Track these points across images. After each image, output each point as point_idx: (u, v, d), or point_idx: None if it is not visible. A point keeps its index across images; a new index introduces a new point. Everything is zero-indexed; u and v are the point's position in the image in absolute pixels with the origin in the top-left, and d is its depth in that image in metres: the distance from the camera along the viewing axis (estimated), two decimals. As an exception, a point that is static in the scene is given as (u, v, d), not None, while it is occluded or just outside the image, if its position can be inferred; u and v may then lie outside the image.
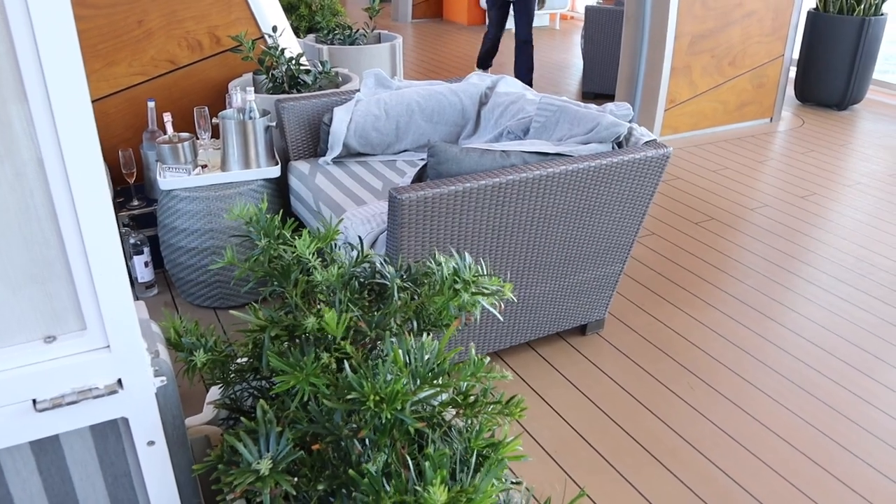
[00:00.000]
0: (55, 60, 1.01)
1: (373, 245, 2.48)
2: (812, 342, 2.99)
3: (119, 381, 1.22)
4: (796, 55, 6.13)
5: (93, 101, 3.54)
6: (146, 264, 3.19)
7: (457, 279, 1.25)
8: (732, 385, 2.73)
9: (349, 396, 1.07)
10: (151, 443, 1.30)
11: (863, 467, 2.35)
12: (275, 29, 3.70)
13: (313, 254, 1.38)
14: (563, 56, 8.39)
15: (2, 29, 0.98)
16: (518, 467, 2.32)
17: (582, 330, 3.02)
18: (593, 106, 2.78)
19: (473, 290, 1.24)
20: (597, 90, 6.38)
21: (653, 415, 2.58)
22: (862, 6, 5.76)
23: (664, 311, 3.21)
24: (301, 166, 3.20)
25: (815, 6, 6.06)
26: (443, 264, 1.28)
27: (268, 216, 1.45)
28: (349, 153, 3.23)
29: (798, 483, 2.28)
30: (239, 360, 1.52)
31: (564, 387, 2.71)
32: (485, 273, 1.32)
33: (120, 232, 3.26)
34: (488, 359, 1.18)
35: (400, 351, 1.11)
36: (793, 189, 4.59)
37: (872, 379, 2.77)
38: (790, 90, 6.51)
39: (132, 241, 3.13)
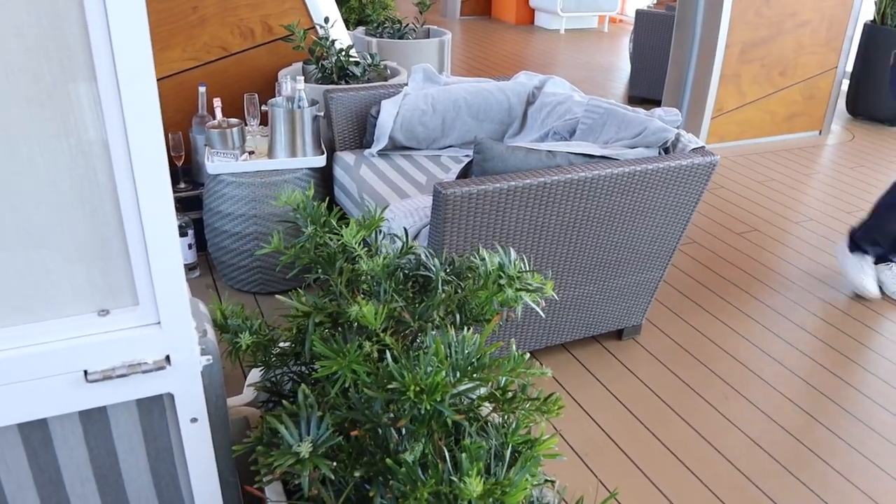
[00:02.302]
0: (125, 40, 1.03)
1: (415, 238, 2.50)
2: (849, 358, 2.95)
3: (167, 357, 1.25)
4: (850, 68, 6.01)
5: (146, 84, 3.62)
6: (189, 246, 3.25)
7: (501, 274, 1.26)
8: (766, 397, 2.71)
9: (390, 386, 1.09)
10: (194, 420, 1.33)
11: (892, 483, 2.32)
12: (326, 20, 3.74)
13: (359, 243, 1.40)
14: (611, 59, 8.34)
15: (76, 6, 1.01)
16: (548, 467, 2.33)
17: (618, 334, 3.01)
18: (641, 110, 2.76)
19: (518, 286, 1.25)
20: (643, 94, 6.33)
21: (684, 422, 2.56)
22: (919, 20, 5.65)
23: (702, 320, 3.19)
24: (346, 157, 3.23)
25: (871, 19, 5.95)
26: (487, 259, 1.29)
27: (314, 203, 1.48)
28: (394, 146, 3.25)
29: (827, 496, 2.25)
30: (281, 345, 1.55)
31: (598, 390, 2.70)
32: (528, 269, 1.33)
33: (166, 213, 3.33)
34: (528, 355, 1.19)
35: (441, 343, 1.12)
36: (839, 204, 4.52)
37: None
38: (841, 103, 6.39)
39: (177, 222, 3.18)
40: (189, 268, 3.32)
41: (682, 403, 2.66)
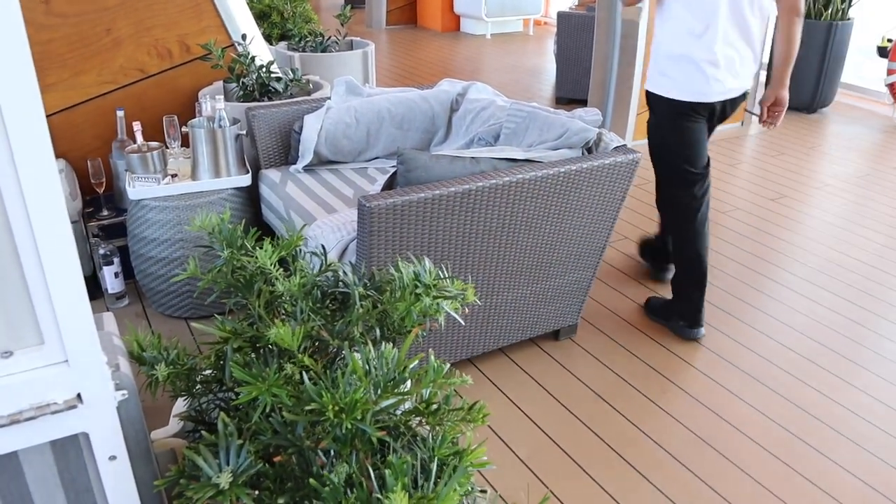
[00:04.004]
0: (6, 68, 0.99)
1: (343, 253, 2.47)
2: (782, 343, 3.02)
3: (78, 395, 1.20)
4: (766, 59, 6.18)
5: (61, 111, 3.52)
6: (116, 275, 3.16)
7: (418, 284, 1.25)
8: (703, 387, 2.75)
9: (309, 407, 1.06)
10: (113, 457, 1.28)
11: (831, 466, 2.37)
12: (244, 37, 3.69)
13: (275, 264, 1.37)
14: (537, 61, 8.43)
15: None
16: (491, 474, 2.32)
17: (555, 335, 3.03)
18: (563, 112, 2.79)
19: (435, 294, 1.24)
20: (570, 95, 6.40)
21: (625, 418, 2.59)
22: (829, 11, 5.84)
23: (637, 316, 3.23)
24: (272, 174, 3.18)
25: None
26: (403, 270, 1.28)
27: (230, 226, 1.45)
28: (320, 161, 3.22)
29: (768, 484, 2.30)
30: (205, 372, 1.51)
31: (538, 392, 2.71)
32: (447, 277, 1.32)
33: (89, 242, 3.23)
34: (448, 365, 1.18)
35: (359, 360, 1.11)
36: (763, 192, 4.64)
37: (840, 378, 2.80)
38: (761, 93, 6.56)
39: (102, 251, 3.10)
40: (117, 297, 3.23)
41: (622, 400, 2.69)
